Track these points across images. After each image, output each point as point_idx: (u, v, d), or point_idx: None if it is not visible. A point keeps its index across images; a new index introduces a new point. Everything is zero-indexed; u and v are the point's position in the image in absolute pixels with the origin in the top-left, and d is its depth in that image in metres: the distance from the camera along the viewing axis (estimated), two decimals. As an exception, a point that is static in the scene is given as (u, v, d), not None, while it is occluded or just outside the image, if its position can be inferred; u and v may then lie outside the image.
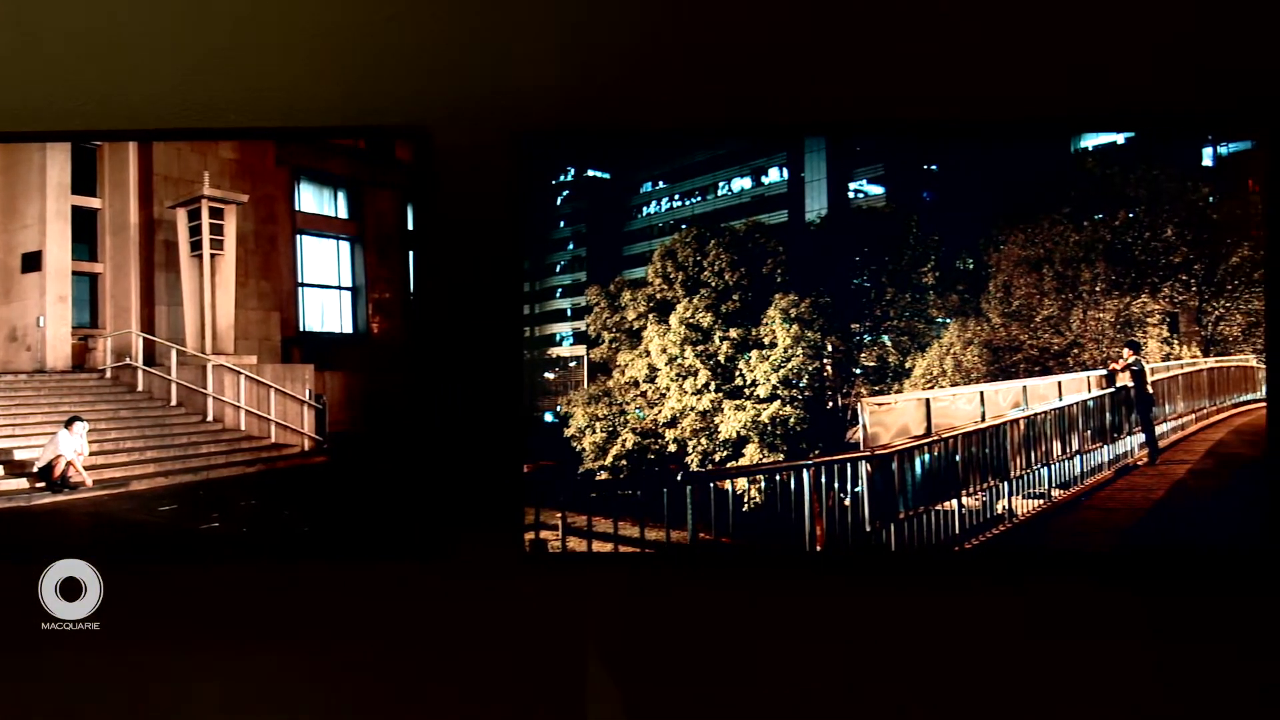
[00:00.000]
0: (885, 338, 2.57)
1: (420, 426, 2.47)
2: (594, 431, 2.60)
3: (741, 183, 2.62)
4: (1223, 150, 2.54)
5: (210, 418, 2.61)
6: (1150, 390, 2.58)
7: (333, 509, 2.50)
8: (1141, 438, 2.62)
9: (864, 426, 2.53)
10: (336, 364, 2.58)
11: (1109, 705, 2.55)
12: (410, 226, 2.53)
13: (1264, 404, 2.47)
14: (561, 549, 2.52)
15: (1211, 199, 2.53)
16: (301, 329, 2.61)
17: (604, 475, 2.59)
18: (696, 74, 2.58)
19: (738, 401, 2.60)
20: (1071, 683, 2.56)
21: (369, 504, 2.49)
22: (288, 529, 2.48)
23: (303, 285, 2.63)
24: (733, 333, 2.59)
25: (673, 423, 2.60)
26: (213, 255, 2.62)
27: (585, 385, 2.61)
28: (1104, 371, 2.56)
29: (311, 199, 2.66)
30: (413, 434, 2.46)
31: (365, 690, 2.59)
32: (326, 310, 2.64)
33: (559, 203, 2.60)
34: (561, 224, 2.64)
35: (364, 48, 2.58)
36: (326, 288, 2.65)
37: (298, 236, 2.63)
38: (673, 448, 2.59)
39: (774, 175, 2.61)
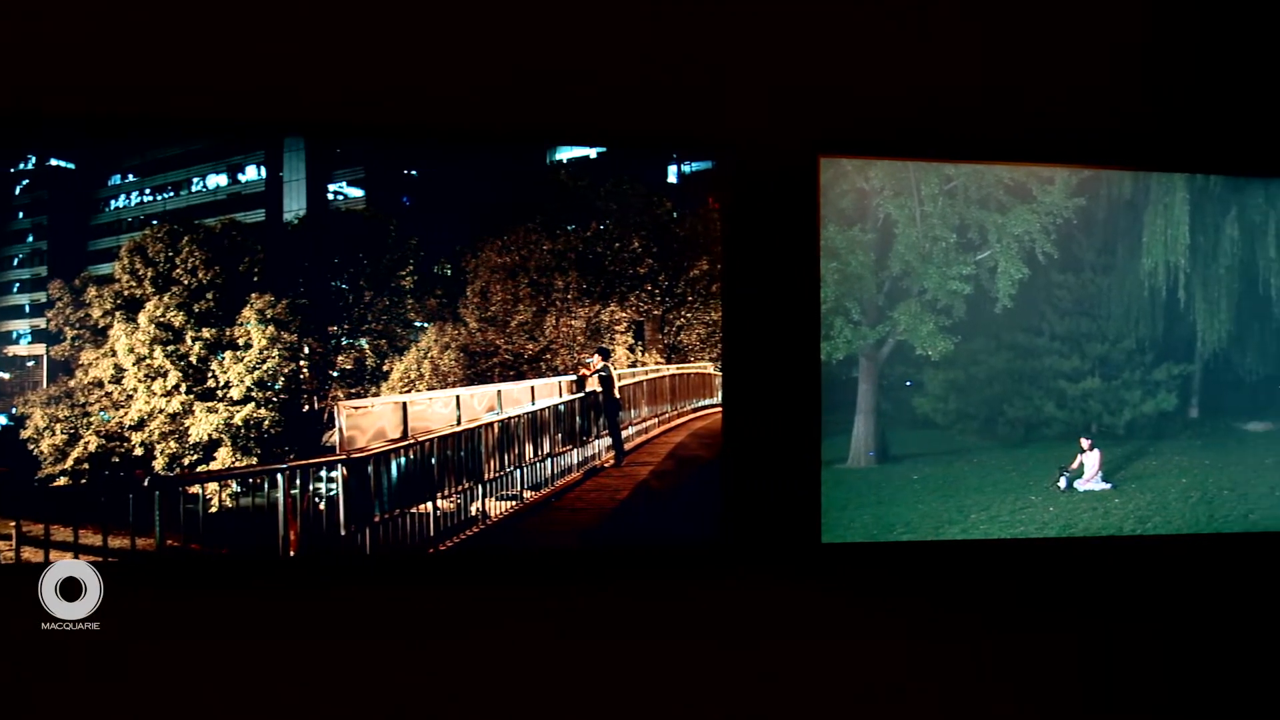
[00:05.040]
0: (363, 341, 2.56)
1: None
2: (53, 434, 2.47)
3: (217, 179, 2.54)
4: (686, 168, 2.66)
5: None
6: (617, 395, 2.69)
7: None
8: (609, 440, 2.72)
9: (340, 430, 2.52)
10: None
11: (577, 699, 2.65)
12: None
13: (720, 409, 2.62)
14: (15, 560, 2.38)
15: (675, 214, 2.64)
16: None
17: (64, 480, 2.47)
18: (171, 66, 2.48)
19: (210, 404, 2.53)
20: (538, 677, 2.64)
21: None
22: None
23: None
24: (206, 333, 2.52)
25: (140, 425, 2.50)
26: None
27: (45, 385, 2.47)
28: (574, 377, 2.65)
29: None
30: None
31: None
32: None
33: (18, 192, 2.45)
34: (20, 215, 2.48)
35: None
36: None
37: None
38: (140, 451, 2.50)
39: (252, 173, 2.55)
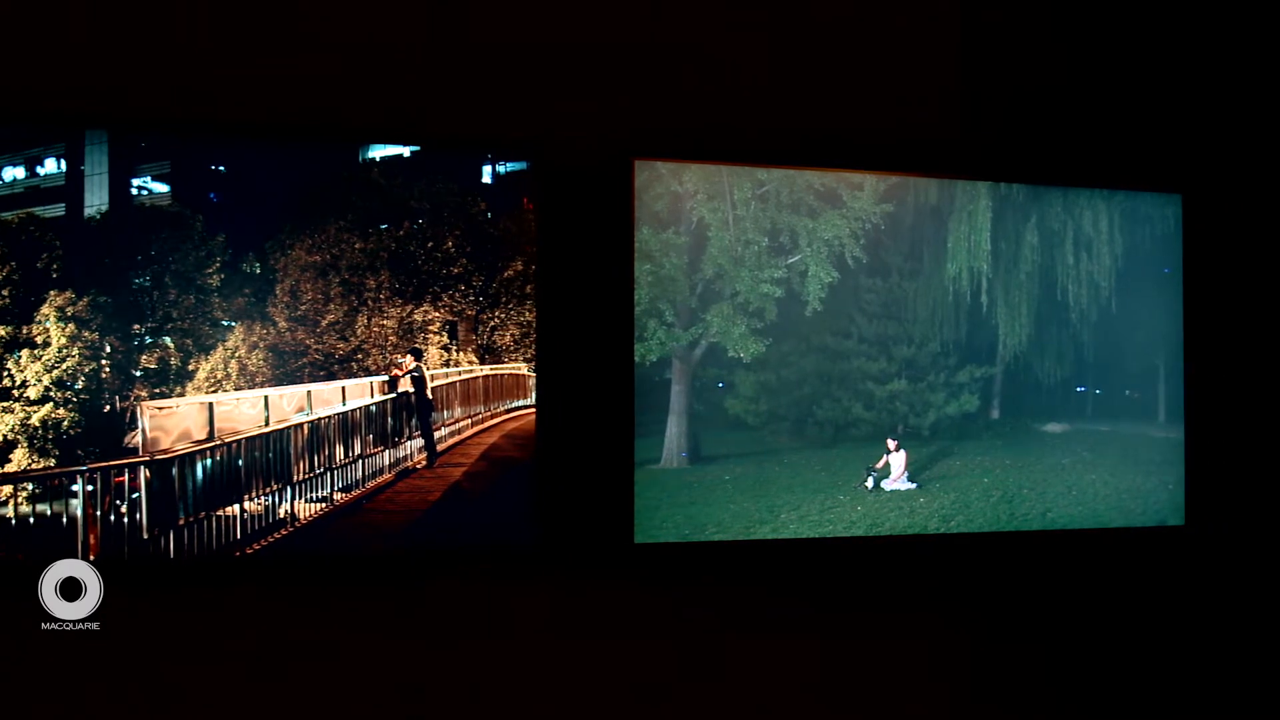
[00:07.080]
0: (168, 340, 2.52)
1: None
2: None
3: (14, 172, 2.48)
4: (501, 169, 2.67)
5: None
6: (430, 396, 2.68)
7: None
8: (421, 442, 2.72)
9: (143, 431, 2.47)
10: None
11: (386, 703, 2.65)
12: None
13: (534, 409, 2.63)
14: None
15: (490, 214, 2.65)
16: None
17: None
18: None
19: (5, 404, 2.46)
20: (348, 680, 2.63)
21: None
22: None
23: None
24: (1, 330, 2.45)
25: (-70, 426, 2.43)
26: None
27: None
28: (386, 377, 2.64)
29: None
30: None
31: None
32: None
33: None
34: None
35: None
36: None
37: None
38: (-71, 452, 2.42)
39: (51, 166, 2.49)
